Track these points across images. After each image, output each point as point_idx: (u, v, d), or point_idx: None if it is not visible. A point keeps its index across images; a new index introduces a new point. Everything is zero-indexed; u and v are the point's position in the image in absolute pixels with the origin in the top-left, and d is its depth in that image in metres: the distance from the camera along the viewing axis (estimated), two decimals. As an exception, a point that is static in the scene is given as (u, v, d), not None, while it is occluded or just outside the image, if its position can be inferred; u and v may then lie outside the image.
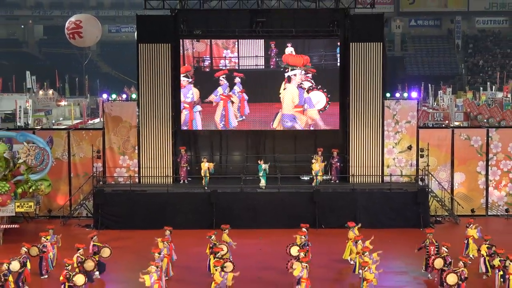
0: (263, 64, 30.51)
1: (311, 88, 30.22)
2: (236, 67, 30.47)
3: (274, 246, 24.06)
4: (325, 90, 30.15)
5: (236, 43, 30.26)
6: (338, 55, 30.25)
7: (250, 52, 30.40)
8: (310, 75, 30.18)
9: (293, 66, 30.10)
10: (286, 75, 30.18)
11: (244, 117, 30.67)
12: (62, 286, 19.08)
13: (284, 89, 30.30)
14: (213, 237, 22.68)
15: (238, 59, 30.47)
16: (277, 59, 30.29)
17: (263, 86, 30.62)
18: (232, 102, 30.48)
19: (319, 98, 30.27)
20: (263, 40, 30.17)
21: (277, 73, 30.47)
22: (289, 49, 30.19)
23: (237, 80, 30.34)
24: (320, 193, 28.34)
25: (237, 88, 30.43)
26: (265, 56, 30.34)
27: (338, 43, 30.19)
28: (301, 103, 30.29)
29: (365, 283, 19.44)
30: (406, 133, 30.30)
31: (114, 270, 22.49)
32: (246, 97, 30.44)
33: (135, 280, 20.42)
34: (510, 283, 19.53)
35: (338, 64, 30.29)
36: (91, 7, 62.82)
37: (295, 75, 30.19)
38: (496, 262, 20.84)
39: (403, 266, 23.29)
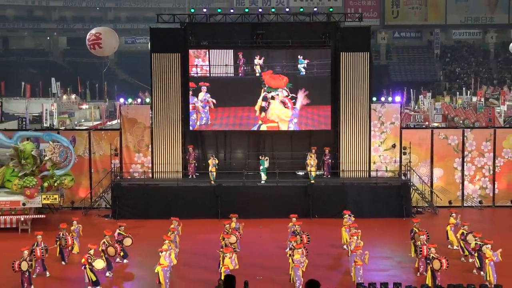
0: (233, 72, 30.34)
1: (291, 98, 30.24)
2: (207, 75, 30.27)
3: (272, 233, 24.06)
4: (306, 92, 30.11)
5: (207, 53, 30.10)
6: (330, 64, 30.11)
7: (221, 61, 30.30)
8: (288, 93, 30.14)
9: (275, 89, 29.99)
10: (269, 95, 29.99)
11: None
12: (83, 267, 19.12)
13: (268, 104, 30.13)
14: (227, 226, 22.80)
15: (209, 67, 30.33)
16: (245, 68, 30.14)
17: (235, 92, 30.42)
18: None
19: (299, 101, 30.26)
20: (232, 50, 30.08)
21: (246, 80, 30.43)
22: (259, 61, 30.03)
23: (204, 89, 30.19)
24: (314, 186, 28.32)
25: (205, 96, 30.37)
26: (234, 65, 30.15)
27: (330, 53, 30.08)
28: (287, 118, 30.29)
29: (357, 265, 19.54)
30: (390, 133, 30.25)
31: (130, 255, 22.49)
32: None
33: (147, 264, 20.43)
34: (487, 267, 19.51)
35: (330, 71, 30.14)
36: (109, 21, 62.72)
37: (277, 95, 30.06)
38: (473, 244, 20.91)
39: (388, 252, 23.29)
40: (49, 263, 21.24)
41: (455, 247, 22.70)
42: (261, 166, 28.78)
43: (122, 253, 21.65)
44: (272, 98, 30.14)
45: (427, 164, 30.28)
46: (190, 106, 30.26)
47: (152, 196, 28.46)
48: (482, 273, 20.10)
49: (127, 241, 21.97)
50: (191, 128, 30.58)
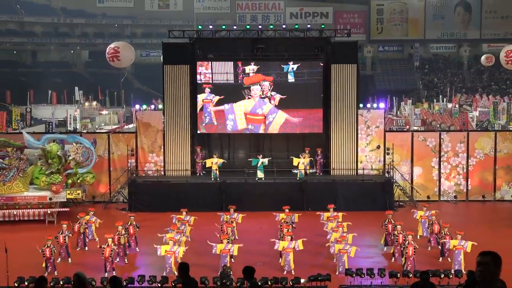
0: (233, 79, 30.31)
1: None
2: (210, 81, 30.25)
3: (270, 225, 24.03)
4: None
5: (210, 63, 30.07)
6: (322, 74, 30.14)
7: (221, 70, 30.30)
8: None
9: (249, 86, 29.96)
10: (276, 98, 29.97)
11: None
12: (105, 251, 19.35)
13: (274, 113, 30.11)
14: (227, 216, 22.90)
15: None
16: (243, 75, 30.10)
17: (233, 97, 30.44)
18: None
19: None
20: (232, 62, 30.05)
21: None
22: (253, 67, 30.01)
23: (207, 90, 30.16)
24: (307, 183, 28.36)
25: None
26: (234, 72, 30.11)
27: (322, 64, 30.09)
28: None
29: (342, 252, 19.59)
30: (375, 136, 30.25)
31: (143, 244, 22.53)
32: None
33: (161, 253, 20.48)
34: (454, 255, 19.53)
35: (322, 80, 30.16)
36: (126, 36, 62.65)
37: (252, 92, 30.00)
38: (439, 229, 21.18)
39: (373, 241, 23.28)
40: (71, 251, 21.37)
41: (418, 237, 22.74)
42: (258, 164, 28.67)
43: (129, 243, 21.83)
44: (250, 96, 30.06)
45: (407, 163, 30.29)
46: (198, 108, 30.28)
47: (164, 192, 28.49)
48: (441, 259, 20.43)
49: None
50: (198, 131, 30.60)
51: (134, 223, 22.59)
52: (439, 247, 21.44)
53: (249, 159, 29.36)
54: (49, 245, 19.58)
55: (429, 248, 21.92)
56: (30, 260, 19.26)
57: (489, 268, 5.61)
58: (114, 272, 18.89)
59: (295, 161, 28.80)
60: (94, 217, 23.67)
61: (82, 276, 8.88)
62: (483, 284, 5.57)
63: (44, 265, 19.35)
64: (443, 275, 17.79)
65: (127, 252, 21.54)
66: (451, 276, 17.90)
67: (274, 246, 20.39)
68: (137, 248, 22.34)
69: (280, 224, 22.71)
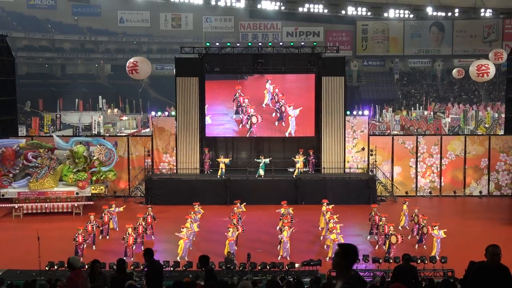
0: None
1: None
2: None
3: (269, 216, 24.07)
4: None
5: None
6: (314, 85, 30.13)
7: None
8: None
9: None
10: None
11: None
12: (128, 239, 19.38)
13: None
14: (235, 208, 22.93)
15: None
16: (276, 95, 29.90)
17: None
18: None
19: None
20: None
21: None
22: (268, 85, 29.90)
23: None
24: (301, 180, 28.29)
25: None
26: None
27: (314, 77, 30.09)
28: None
29: (331, 242, 19.57)
30: (360, 139, 30.23)
31: (159, 233, 22.57)
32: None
33: (171, 239, 20.48)
34: (434, 243, 19.53)
35: (314, 91, 30.14)
36: (143, 52, 62.76)
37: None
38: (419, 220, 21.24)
39: (358, 230, 23.30)
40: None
41: (400, 227, 22.73)
42: (261, 164, 28.66)
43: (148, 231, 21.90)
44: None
45: (388, 163, 30.27)
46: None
47: (176, 187, 28.47)
48: (417, 246, 20.41)
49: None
50: (206, 135, 30.59)
51: (151, 214, 22.66)
52: (417, 237, 21.44)
53: (256, 159, 29.20)
54: (80, 233, 19.65)
55: (409, 237, 21.86)
56: (59, 247, 19.25)
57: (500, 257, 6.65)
58: (132, 258, 18.90)
59: (297, 160, 28.83)
60: (117, 208, 23.69)
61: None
62: (495, 268, 6.28)
63: (74, 250, 19.35)
64: (419, 260, 17.80)
65: (144, 239, 21.55)
66: (426, 261, 17.92)
67: (279, 235, 20.34)
68: (152, 237, 22.36)
69: (280, 217, 22.56)
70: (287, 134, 30.12)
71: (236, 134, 30.46)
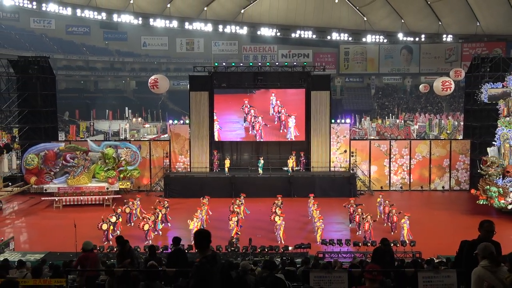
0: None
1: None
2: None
3: (267, 207, 24.04)
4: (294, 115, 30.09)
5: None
6: (304, 98, 30.15)
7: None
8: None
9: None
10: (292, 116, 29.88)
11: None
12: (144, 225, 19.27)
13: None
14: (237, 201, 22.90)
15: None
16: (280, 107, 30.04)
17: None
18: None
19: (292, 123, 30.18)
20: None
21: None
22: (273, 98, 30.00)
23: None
24: (294, 177, 28.32)
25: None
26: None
27: (304, 91, 30.12)
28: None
29: (319, 230, 19.54)
30: (343, 143, 30.24)
31: (174, 221, 22.51)
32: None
33: (184, 227, 20.46)
34: (404, 230, 19.52)
35: (304, 103, 30.18)
36: (163, 70, 62.80)
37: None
38: (391, 211, 21.15)
39: (341, 219, 23.26)
40: (121, 226, 21.40)
41: (378, 217, 22.72)
42: (260, 164, 28.71)
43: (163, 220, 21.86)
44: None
45: (366, 163, 30.29)
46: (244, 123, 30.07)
47: (190, 183, 28.43)
48: (392, 233, 20.34)
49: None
50: (221, 139, 30.45)
51: (166, 205, 22.64)
52: (389, 224, 21.44)
53: (258, 159, 29.14)
54: (106, 222, 19.62)
55: (385, 224, 21.87)
56: (92, 233, 19.23)
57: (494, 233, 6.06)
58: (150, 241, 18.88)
59: (290, 162, 28.86)
60: (139, 201, 23.72)
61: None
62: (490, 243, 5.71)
63: (103, 240, 19.34)
64: (392, 244, 17.73)
65: (162, 226, 21.52)
66: (398, 245, 17.88)
67: (274, 223, 20.32)
68: (168, 224, 22.31)
69: (272, 205, 22.51)
70: (288, 138, 30.04)
71: (244, 139, 30.40)
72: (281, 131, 30.03)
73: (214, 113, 30.08)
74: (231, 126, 30.25)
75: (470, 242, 6.06)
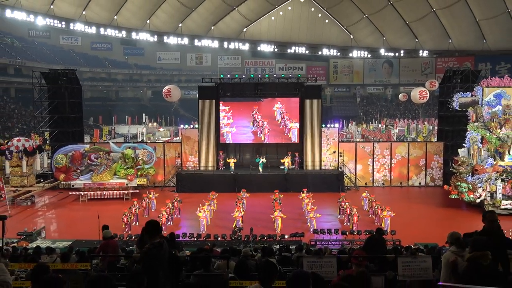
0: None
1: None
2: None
3: (267, 201, 24.02)
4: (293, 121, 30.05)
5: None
6: (298, 106, 30.13)
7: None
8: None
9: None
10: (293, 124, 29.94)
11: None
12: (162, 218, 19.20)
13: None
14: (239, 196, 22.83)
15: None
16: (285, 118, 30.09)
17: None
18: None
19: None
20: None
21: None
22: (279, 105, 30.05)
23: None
24: (290, 174, 28.29)
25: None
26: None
27: (298, 100, 30.09)
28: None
29: (311, 220, 19.49)
30: (332, 145, 30.21)
31: (185, 213, 22.48)
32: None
33: (193, 218, 20.44)
34: (383, 222, 19.50)
35: (298, 110, 30.15)
36: (175, 81, 62.59)
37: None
38: (374, 206, 21.00)
39: (331, 211, 23.20)
40: (139, 217, 21.36)
41: (365, 209, 22.70)
42: (258, 162, 28.61)
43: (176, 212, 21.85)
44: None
45: (352, 162, 30.27)
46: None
47: (199, 180, 28.39)
48: (376, 224, 20.28)
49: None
50: (228, 141, 30.45)
51: (178, 199, 22.59)
52: (373, 216, 21.42)
53: (255, 160, 29.19)
54: (126, 214, 19.58)
55: (369, 215, 21.83)
56: (113, 223, 19.13)
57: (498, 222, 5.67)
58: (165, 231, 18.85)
59: (283, 161, 28.79)
60: (155, 195, 23.68)
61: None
62: (495, 232, 5.41)
63: (123, 226, 19.33)
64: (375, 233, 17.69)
65: (174, 217, 21.49)
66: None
67: (272, 215, 20.28)
68: (179, 215, 22.24)
69: (272, 201, 22.56)
70: (293, 140, 30.04)
71: (254, 141, 30.32)
72: (285, 134, 30.03)
73: (228, 119, 29.96)
74: (242, 130, 30.26)
75: (478, 233, 5.79)
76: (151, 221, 5.37)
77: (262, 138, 30.00)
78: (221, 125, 30.11)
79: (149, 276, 4.68)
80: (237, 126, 30.12)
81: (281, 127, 30.13)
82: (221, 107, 30.11)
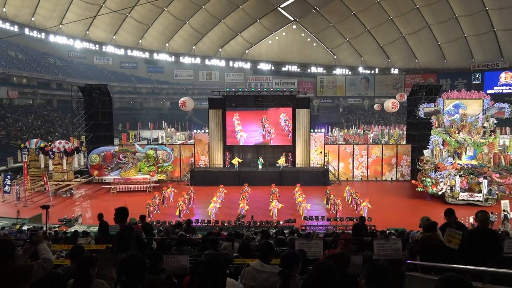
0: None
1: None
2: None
3: (266, 194, 23.95)
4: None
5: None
6: (291, 114, 30.04)
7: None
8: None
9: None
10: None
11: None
12: (179, 209, 19.13)
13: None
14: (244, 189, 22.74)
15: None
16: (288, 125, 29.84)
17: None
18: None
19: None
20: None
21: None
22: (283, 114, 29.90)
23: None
24: (284, 171, 28.21)
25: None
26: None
27: (292, 110, 30.00)
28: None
29: (302, 208, 19.42)
30: (319, 146, 30.12)
31: (197, 203, 22.41)
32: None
33: (205, 207, 20.36)
34: (362, 210, 19.45)
35: (292, 118, 30.04)
36: (189, 94, 62.57)
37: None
38: (355, 198, 20.91)
39: (318, 201, 23.10)
40: (160, 207, 21.26)
41: (347, 200, 22.61)
42: (258, 162, 28.61)
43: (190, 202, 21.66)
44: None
45: (336, 161, 30.19)
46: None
47: (209, 175, 28.31)
48: (356, 212, 20.16)
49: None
50: (244, 144, 30.24)
51: (193, 191, 22.51)
52: (354, 205, 21.35)
53: (256, 160, 29.11)
54: (150, 204, 19.55)
55: (351, 205, 21.78)
56: (138, 211, 19.06)
57: (489, 222, 5.15)
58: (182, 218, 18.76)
59: (281, 160, 28.72)
60: (172, 188, 23.61)
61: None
62: (486, 231, 4.80)
63: (148, 213, 19.26)
64: (355, 219, 17.62)
65: (189, 206, 21.41)
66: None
67: (269, 206, 20.20)
68: (193, 205, 22.19)
69: (271, 193, 22.51)
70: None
71: (262, 143, 30.05)
72: (288, 137, 29.86)
73: (239, 125, 29.84)
74: (252, 134, 30.12)
75: (469, 231, 5.20)
76: (120, 208, 5.38)
77: (269, 140, 29.81)
78: (236, 131, 29.96)
79: (123, 251, 4.72)
80: (248, 131, 29.98)
81: (285, 132, 29.99)
82: (235, 117, 29.97)
